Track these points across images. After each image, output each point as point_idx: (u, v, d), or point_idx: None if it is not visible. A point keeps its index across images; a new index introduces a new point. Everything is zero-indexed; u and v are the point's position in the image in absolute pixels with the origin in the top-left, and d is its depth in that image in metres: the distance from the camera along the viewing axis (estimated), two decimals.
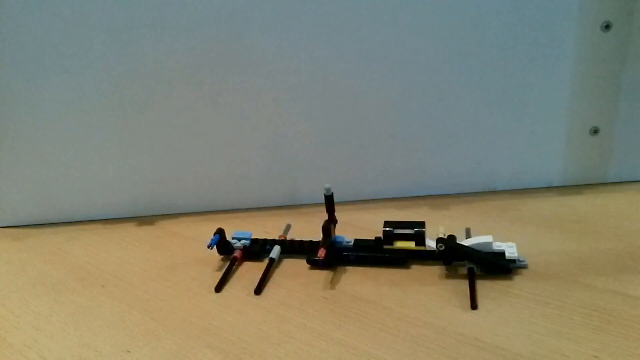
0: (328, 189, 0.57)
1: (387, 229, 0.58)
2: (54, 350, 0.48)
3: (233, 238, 0.64)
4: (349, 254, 0.60)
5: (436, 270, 0.57)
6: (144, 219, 0.78)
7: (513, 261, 0.55)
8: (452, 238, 0.57)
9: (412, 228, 0.57)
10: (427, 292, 0.53)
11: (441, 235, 0.56)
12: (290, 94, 0.72)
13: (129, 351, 0.48)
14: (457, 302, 0.51)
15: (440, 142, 0.75)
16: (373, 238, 0.60)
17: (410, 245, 0.58)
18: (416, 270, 0.58)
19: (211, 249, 0.60)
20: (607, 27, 0.69)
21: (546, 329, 0.46)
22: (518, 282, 0.54)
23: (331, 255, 0.59)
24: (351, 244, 0.61)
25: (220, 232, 0.62)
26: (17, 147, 0.73)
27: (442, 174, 0.77)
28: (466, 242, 0.56)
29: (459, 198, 0.76)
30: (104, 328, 0.51)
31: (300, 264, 0.61)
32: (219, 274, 0.60)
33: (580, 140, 0.74)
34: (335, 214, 0.71)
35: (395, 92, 0.72)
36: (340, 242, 0.61)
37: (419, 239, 0.57)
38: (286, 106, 0.73)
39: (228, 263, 0.61)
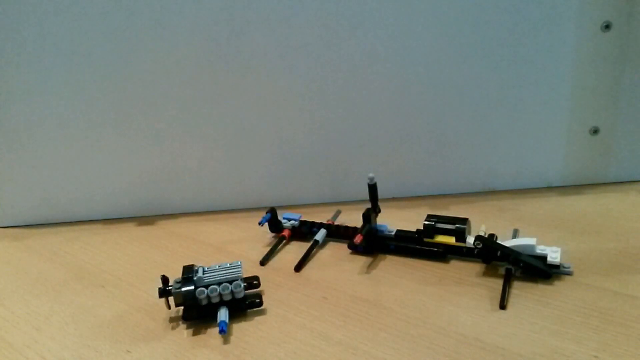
0: (372, 178, 0.59)
1: (429, 222, 0.59)
2: (54, 350, 0.48)
3: (283, 218, 0.68)
4: (390, 243, 0.61)
5: (434, 269, 0.57)
6: (144, 219, 0.78)
7: (557, 267, 0.54)
8: (491, 236, 0.56)
9: (453, 224, 0.57)
10: (427, 291, 0.53)
11: (481, 233, 0.55)
12: (290, 93, 0.72)
13: (129, 351, 0.48)
14: (457, 302, 0.51)
15: (440, 142, 0.75)
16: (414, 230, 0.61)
17: (451, 240, 0.58)
18: (418, 269, 0.58)
19: (262, 225, 0.65)
20: (607, 27, 0.69)
21: (546, 329, 0.46)
22: (518, 283, 0.54)
23: (372, 242, 0.61)
24: (393, 233, 0.62)
25: (272, 211, 0.66)
26: (17, 147, 0.73)
27: (442, 174, 0.77)
28: (508, 243, 0.55)
29: (459, 198, 0.76)
30: (104, 328, 0.51)
31: (343, 247, 0.64)
32: None
33: (580, 140, 0.74)
34: (333, 213, 0.71)
35: (395, 92, 0.72)
36: (383, 231, 0.63)
37: (460, 235, 0.57)
38: (286, 106, 0.73)
39: (277, 240, 0.66)
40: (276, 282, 0.57)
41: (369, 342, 0.47)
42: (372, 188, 0.60)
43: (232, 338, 0.48)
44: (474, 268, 0.57)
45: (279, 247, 0.65)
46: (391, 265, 0.59)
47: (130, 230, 0.74)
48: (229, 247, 0.67)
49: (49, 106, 0.72)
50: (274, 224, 0.67)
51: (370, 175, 0.59)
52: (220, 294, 0.50)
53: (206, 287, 0.50)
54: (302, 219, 0.68)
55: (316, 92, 0.72)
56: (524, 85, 0.72)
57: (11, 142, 0.73)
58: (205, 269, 0.52)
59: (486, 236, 0.55)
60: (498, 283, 0.54)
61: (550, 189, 0.77)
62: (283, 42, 0.70)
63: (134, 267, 0.63)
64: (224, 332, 0.47)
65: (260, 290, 0.55)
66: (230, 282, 0.50)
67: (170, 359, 0.46)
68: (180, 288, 0.50)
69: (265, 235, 0.69)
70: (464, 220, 0.57)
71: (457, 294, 0.53)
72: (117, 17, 0.68)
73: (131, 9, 0.67)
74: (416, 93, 0.72)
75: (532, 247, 0.54)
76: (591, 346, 0.44)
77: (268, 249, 0.64)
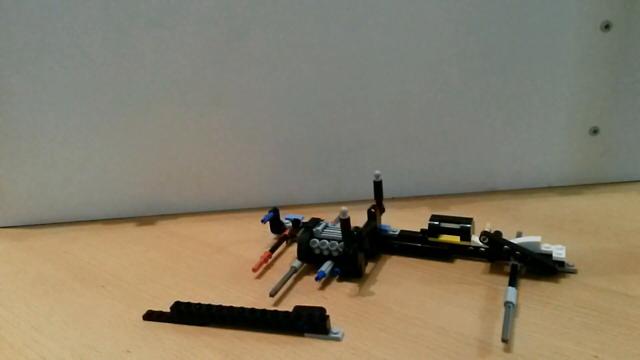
0: (377, 175, 0.59)
1: (433, 221, 0.59)
2: (54, 350, 0.48)
3: (286, 219, 0.68)
4: (394, 242, 0.61)
5: (435, 269, 0.57)
6: (144, 219, 0.78)
7: (562, 264, 0.54)
8: (497, 233, 0.56)
9: (458, 223, 0.57)
10: (427, 291, 0.53)
11: (487, 229, 0.56)
12: (291, 94, 0.72)
13: (129, 351, 0.48)
14: (458, 301, 0.51)
15: (440, 142, 0.75)
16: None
17: (455, 239, 0.58)
18: (419, 269, 0.58)
19: (264, 223, 0.65)
20: (607, 27, 0.69)
21: (546, 329, 0.46)
22: (519, 282, 0.54)
23: (375, 242, 0.61)
24: (397, 233, 0.62)
25: (275, 211, 0.66)
26: (17, 147, 0.73)
27: (442, 174, 0.77)
28: (513, 241, 0.55)
29: (459, 198, 0.76)
30: (104, 328, 0.51)
31: None
32: (219, 275, 0.60)
33: (580, 140, 0.74)
34: (332, 213, 0.71)
35: (395, 92, 0.72)
36: (386, 231, 0.62)
37: (465, 234, 0.57)
38: (286, 106, 0.73)
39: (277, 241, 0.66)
40: (275, 281, 0.57)
41: (369, 342, 0.47)
42: (378, 185, 0.60)
43: (232, 338, 0.48)
44: (478, 267, 0.57)
45: (281, 246, 0.65)
46: (392, 265, 0.59)
47: (130, 230, 0.74)
48: (230, 247, 0.67)
49: (49, 106, 0.72)
50: (276, 225, 0.67)
51: (376, 172, 0.59)
52: (328, 249, 0.56)
53: (319, 239, 0.57)
54: (304, 220, 0.67)
55: (316, 92, 0.72)
56: (524, 85, 0.72)
57: (11, 142, 0.73)
58: (329, 225, 0.60)
59: (492, 232, 0.55)
60: (499, 282, 0.54)
61: (550, 189, 0.77)
62: (283, 42, 0.70)
63: (134, 267, 0.63)
64: (318, 279, 0.54)
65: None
66: (340, 241, 0.56)
67: (170, 359, 0.46)
68: (299, 233, 0.59)
69: (267, 235, 0.68)
70: (469, 220, 0.57)
71: (458, 293, 0.53)
72: (117, 17, 0.68)
73: (131, 9, 0.67)
74: (417, 93, 0.72)
75: (537, 244, 0.54)
76: (591, 346, 0.44)
77: (269, 249, 0.64)
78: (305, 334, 0.48)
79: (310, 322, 0.47)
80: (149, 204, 0.78)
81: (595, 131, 0.74)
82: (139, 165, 0.75)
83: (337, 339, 0.47)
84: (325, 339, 0.47)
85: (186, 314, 0.51)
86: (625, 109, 0.72)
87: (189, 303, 0.51)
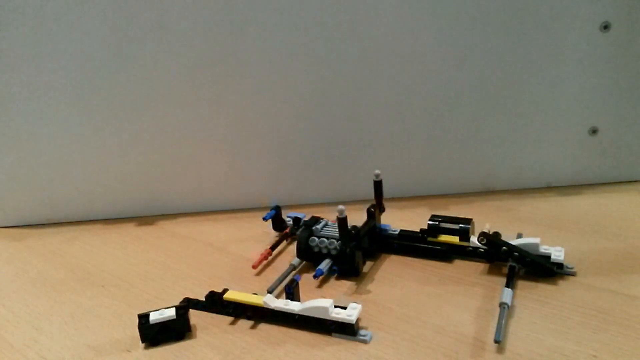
0: (377, 175, 0.59)
1: (433, 221, 0.59)
2: (54, 350, 0.48)
3: (287, 217, 0.68)
4: (393, 242, 0.61)
5: (434, 269, 0.57)
6: (144, 219, 0.78)
7: (560, 267, 0.54)
8: (496, 234, 0.56)
9: (457, 224, 0.58)
10: (426, 291, 0.54)
11: (486, 230, 0.56)
12: (291, 93, 0.72)
13: (129, 351, 0.48)
14: (457, 301, 0.51)
15: (440, 142, 0.75)
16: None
17: (455, 240, 0.58)
18: (418, 269, 0.58)
19: (266, 221, 0.66)
20: (606, 27, 0.69)
21: (546, 329, 0.46)
22: (517, 283, 0.54)
23: (375, 241, 0.61)
24: (397, 233, 0.62)
25: (276, 209, 0.66)
26: (17, 147, 0.73)
27: (442, 174, 0.77)
28: (512, 242, 0.55)
29: (459, 198, 0.76)
30: (104, 328, 0.51)
31: None
32: (219, 274, 0.60)
33: (580, 140, 0.74)
34: (333, 213, 0.71)
35: (395, 93, 0.72)
36: (386, 231, 0.62)
37: (464, 234, 0.57)
38: (286, 106, 0.73)
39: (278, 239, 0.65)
40: (274, 279, 0.57)
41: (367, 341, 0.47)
42: (378, 185, 0.60)
43: (232, 337, 0.48)
44: (476, 268, 0.57)
45: (282, 244, 0.65)
46: (392, 265, 0.59)
47: (130, 230, 0.74)
48: (230, 247, 0.67)
49: (49, 106, 0.72)
50: (278, 223, 0.67)
51: (377, 171, 0.59)
52: (327, 247, 0.57)
53: (318, 237, 0.58)
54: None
55: (316, 92, 0.72)
56: (524, 85, 0.72)
57: (11, 142, 0.73)
58: (329, 223, 0.61)
59: (490, 234, 0.55)
60: (498, 283, 0.54)
61: (550, 189, 0.77)
62: (283, 42, 0.70)
63: (134, 267, 0.63)
64: (316, 277, 0.55)
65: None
66: (339, 239, 0.56)
67: (170, 358, 0.46)
68: (298, 231, 0.60)
69: (267, 235, 0.68)
70: (468, 220, 0.58)
71: (457, 293, 0.53)
72: (116, 18, 0.68)
73: (131, 10, 0.67)
74: (416, 93, 0.72)
75: (536, 246, 0.54)
76: (591, 346, 0.44)
77: (268, 248, 0.64)
78: (333, 334, 0.48)
79: (339, 323, 0.47)
80: (149, 204, 0.78)
81: (594, 131, 0.74)
82: (139, 165, 0.75)
83: (365, 342, 0.47)
84: (352, 340, 0.47)
85: (220, 304, 0.52)
86: (625, 109, 0.72)
87: (222, 293, 0.52)
